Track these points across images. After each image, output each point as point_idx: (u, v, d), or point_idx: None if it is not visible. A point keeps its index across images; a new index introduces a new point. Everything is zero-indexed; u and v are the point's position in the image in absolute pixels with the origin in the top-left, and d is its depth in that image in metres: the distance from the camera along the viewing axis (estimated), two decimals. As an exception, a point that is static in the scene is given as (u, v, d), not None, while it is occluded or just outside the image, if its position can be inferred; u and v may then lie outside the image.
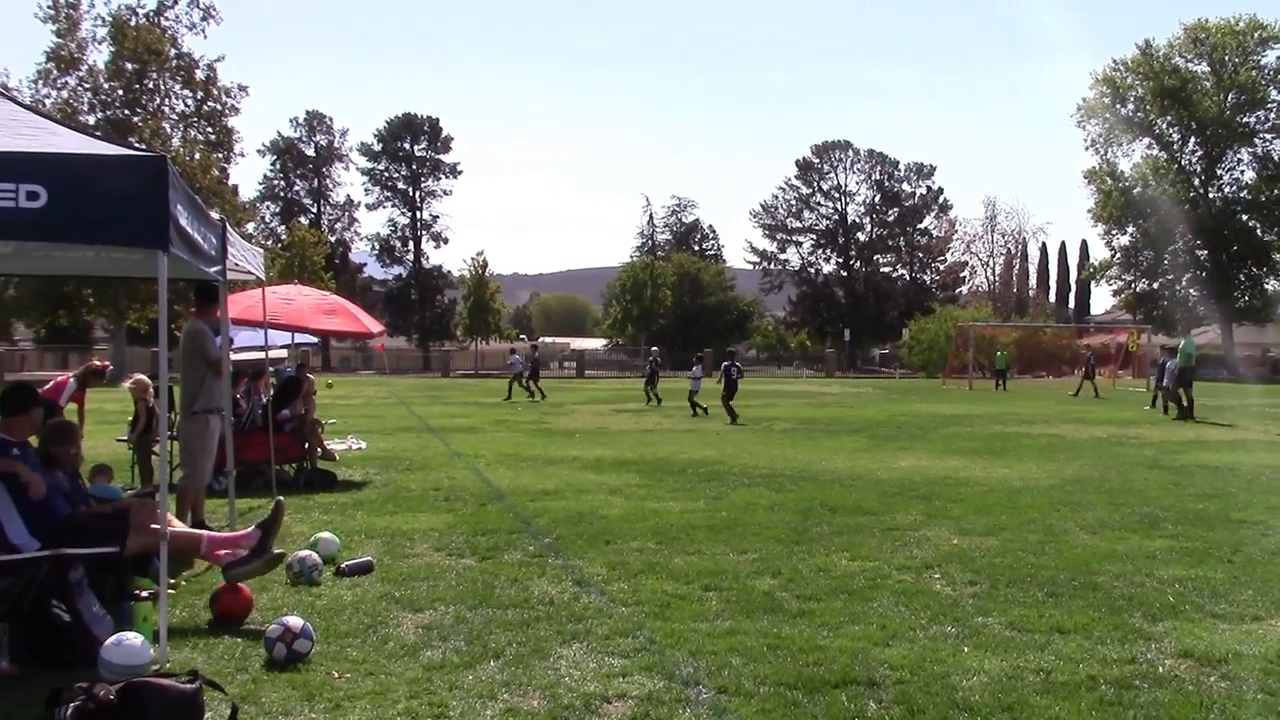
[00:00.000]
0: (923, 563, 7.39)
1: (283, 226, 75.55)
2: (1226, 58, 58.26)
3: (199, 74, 49.96)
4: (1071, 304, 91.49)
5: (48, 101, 44.77)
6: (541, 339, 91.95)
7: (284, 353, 19.43)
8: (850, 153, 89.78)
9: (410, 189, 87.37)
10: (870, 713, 4.43)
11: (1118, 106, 61.56)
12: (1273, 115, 58.93)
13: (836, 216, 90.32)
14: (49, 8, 45.85)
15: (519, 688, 4.69)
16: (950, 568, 7.22)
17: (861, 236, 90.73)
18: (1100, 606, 6.17)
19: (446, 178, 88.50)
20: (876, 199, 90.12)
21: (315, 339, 22.10)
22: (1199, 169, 61.31)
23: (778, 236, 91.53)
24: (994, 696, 4.59)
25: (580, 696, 4.57)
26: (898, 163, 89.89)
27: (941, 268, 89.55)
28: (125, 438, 11.82)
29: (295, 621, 5.08)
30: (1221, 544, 8.15)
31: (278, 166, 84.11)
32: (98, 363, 11.27)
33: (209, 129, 51.45)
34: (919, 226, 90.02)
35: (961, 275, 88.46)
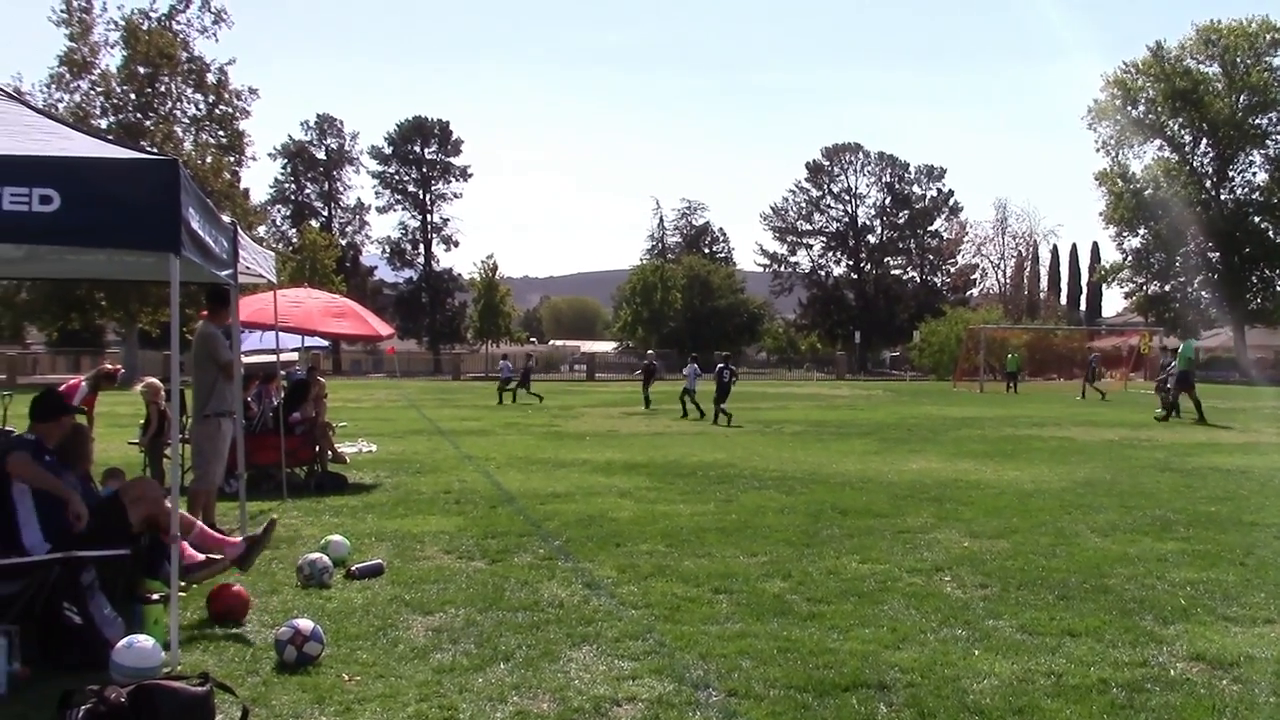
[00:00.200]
0: (933, 565, 7.37)
1: (294, 230, 75.83)
2: (1238, 59, 58.05)
3: (210, 77, 50.36)
4: (1083, 306, 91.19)
5: (60, 105, 45.08)
6: (552, 342, 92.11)
7: (295, 356, 19.46)
8: (860, 155, 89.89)
9: (421, 192, 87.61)
10: (881, 716, 4.42)
11: (1129, 108, 61.41)
12: (1285, 117, 58.78)
13: (847, 219, 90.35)
14: (62, 12, 46.31)
15: (529, 690, 4.69)
16: (961, 570, 7.20)
17: (872, 239, 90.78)
18: (1112, 609, 6.14)
19: (457, 180, 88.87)
20: (887, 201, 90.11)
21: (326, 342, 22.13)
22: (1211, 171, 61.08)
23: (788, 239, 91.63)
24: (1005, 699, 4.57)
25: (590, 699, 4.57)
26: (908, 165, 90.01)
27: (952, 270, 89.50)
28: (137, 441, 11.88)
29: (305, 624, 5.09)
30: (1234, 547, 8.12)
31: (288, 170, 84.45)
32: (109, 366, 11.23)
33: (220, 132, 51.82)
34: (929, 229, 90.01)
35: (972, 278, 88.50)
